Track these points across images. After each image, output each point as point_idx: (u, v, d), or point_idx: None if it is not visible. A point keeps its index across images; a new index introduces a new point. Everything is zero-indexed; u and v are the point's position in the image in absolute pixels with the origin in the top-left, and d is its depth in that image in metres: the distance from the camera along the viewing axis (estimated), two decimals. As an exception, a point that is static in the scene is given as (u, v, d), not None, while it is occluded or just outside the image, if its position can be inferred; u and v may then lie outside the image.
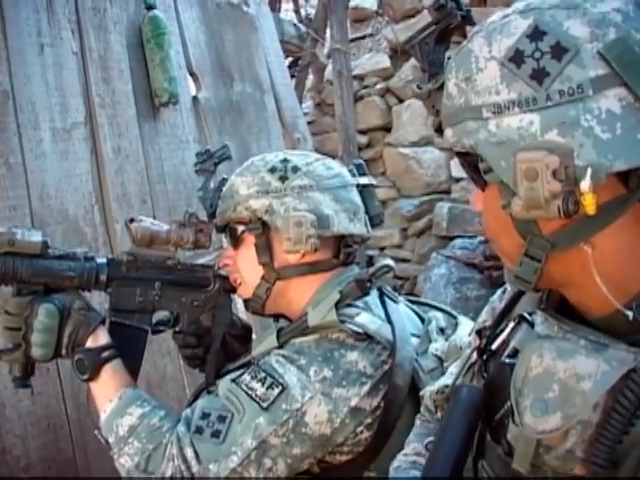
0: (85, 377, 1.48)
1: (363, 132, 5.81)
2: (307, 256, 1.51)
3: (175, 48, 3.05)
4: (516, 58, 0.81)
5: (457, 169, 5.48)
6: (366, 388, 1.42)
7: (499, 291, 1.15)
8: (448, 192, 5.55)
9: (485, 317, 1.12)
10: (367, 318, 1.46)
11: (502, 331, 0.99)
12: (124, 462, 1.43)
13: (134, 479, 1.42)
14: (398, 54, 5.72)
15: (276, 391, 1.39)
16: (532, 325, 0.94)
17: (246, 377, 1.44)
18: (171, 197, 2.94)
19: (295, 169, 1.54)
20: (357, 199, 1.59)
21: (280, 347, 1.48)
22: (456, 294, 4.63)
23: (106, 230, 2.63)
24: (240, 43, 3.58)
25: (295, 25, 5.69)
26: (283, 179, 1.53)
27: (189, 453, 1.39)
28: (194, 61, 3.23)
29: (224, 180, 1.65)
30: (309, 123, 5.16)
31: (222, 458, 1.38)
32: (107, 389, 1.48)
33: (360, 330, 1.44)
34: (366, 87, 5.86)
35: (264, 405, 1.39)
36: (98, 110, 2.68)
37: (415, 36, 1.05)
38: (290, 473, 1.42)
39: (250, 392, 1.41)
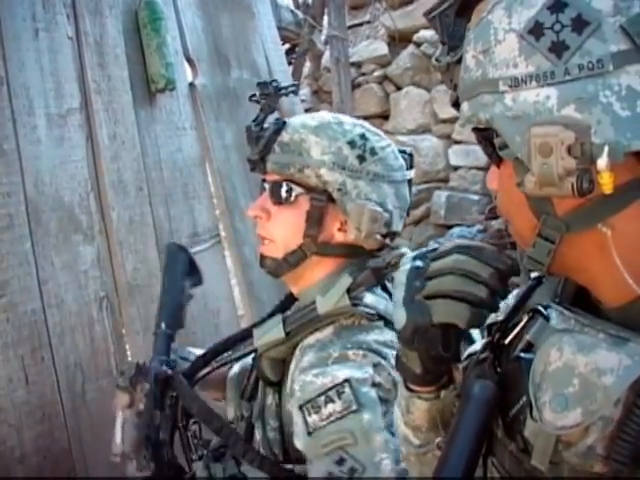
0: None
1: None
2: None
3: (172, 34, 3.02)
4: (535, 30, 0.78)
5: (455, 157, 5.47)
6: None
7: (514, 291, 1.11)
8: (446, 180, 5.53)
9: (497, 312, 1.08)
10: (373, 298, 1.44)
11: (515, 325, 0.96)
12: None
13: None
14: (396, 41, 5.69)
15: (346, 389, 1.31)
16: (547, 319, 0.91)
17: (314, 417, 1.32)
18: (167, 184, 2.91)
19: (373, 152, 1.46)
20: (408, 196, 1.53)
21: (287, 334, 1.44)
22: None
23: (102, 217, 2.60)
24: (237, 29, 3.54)
25: (292, 11, 5.64)
26: (361, 159, 1.44)
27: None
28: (191, 47, 3.20)
29: (283, 124, 1.50)
30: (306, 110, 5.11)
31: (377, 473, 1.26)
32: None
33: (372, 311, 1.41)
34: (364, 74, 5.84)
35: (354, 407, 1.30)
36: (94, 96, 2.64)
37: (435, 7, 1.02)
38: None
39: (332, 418, 1.30)
